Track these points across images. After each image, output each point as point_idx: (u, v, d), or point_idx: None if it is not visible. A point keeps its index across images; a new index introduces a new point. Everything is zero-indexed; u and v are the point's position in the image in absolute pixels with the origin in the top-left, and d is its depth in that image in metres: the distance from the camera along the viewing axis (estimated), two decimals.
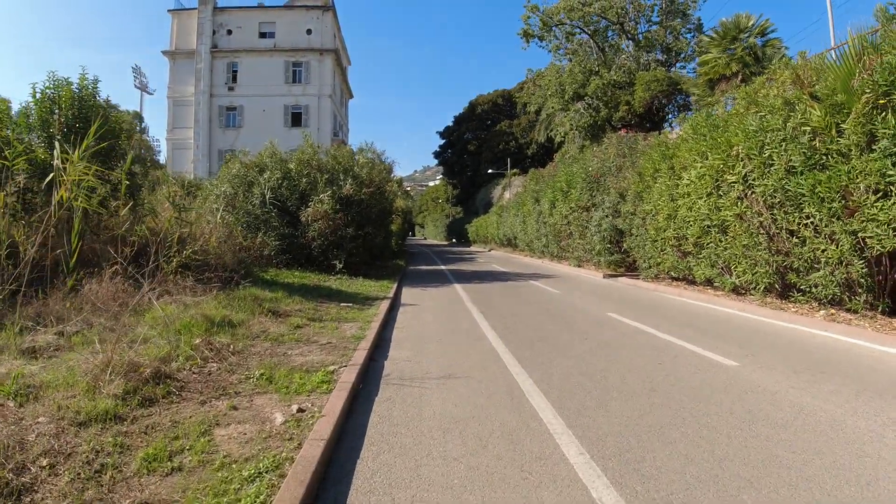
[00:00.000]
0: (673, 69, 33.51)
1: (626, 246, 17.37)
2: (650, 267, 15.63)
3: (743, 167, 11.03)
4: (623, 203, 17.40)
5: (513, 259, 30.40)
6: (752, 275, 11.07)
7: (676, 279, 15.09)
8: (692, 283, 14.39)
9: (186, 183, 18.46)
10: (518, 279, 18.08)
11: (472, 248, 49.41)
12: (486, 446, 3.97)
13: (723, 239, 11.84)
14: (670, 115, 31.52)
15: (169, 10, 48.58)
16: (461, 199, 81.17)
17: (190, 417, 4.23)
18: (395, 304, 11.51)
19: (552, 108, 36.40)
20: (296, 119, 46.15)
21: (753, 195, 10.85)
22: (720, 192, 11.76)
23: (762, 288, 10.98)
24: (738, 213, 11.16)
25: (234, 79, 47.37)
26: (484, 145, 68.98)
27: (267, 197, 15.07)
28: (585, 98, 32.49)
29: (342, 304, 10.25)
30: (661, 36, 34.44)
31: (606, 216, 18.23)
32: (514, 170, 55.38)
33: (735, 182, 11.24)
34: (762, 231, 10.70)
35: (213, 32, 47.14)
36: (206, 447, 3.71)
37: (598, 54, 35.43)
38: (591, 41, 35.84)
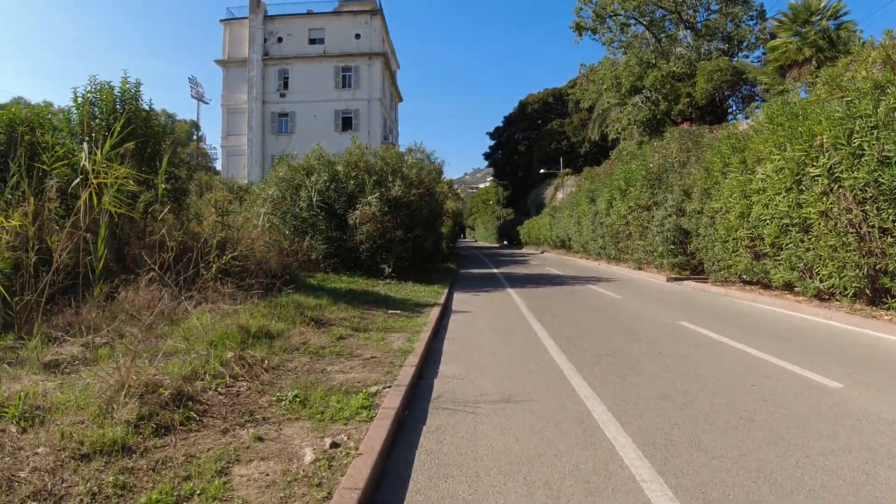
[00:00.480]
0: (735, 59, 31.64)
1: (692, 247, 16.24)
2: (720, 270, 14.51)
3: (828, 158, 9.95)
4: (688, 201, 16.30)
5: (567, 261, 29.37)
6: (840, 279, 9.95)
7: (749, 283, 13.95)
8: (767, 287, 13.26)
9: (236, 187, 18.27)
10: (575, 283, 17.17)
11: (524, 251, 48.45)
12: (558, 498, 3.20)
13: (804, 239, 10.76)
14: (733, 108, 29.91)
15: (221, 20, 49.49)
16: (512, 200, 79.97)
17: (208, 450, 3.63)
18: (445, 311, 10.81)
19: (608, 102, 34.79)
20: (346, 123, 46.17)
21: (841, 190, 9.77)
22: (801, 187, 10.69)
23: (851, 293, 9.87)
24: (823, 209, 10.10)
25: (286, 85, 47.93)
26: (535, 145, 67.75)
27: (314, 199, 14.60)
28: (643, 91, 30.86)
29: (390, 312, 9.62)
30: (722, 24, 32.51)
31: (670, 215, 17.15)
32: (567, 169, 53.98)
33: (819, 175, 10.17)
34: (851, 230, 9.60)
35: (265, 40, 47.79)
36: (221, 491, 3.10)
37: (655, 45, 33.79)
38: (647, 32, 34.16)
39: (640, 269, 20.50)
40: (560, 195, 50.53)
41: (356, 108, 46.92)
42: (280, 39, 48.20)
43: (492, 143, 79.52)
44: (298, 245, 14.35)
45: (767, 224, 11.77)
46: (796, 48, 22.81)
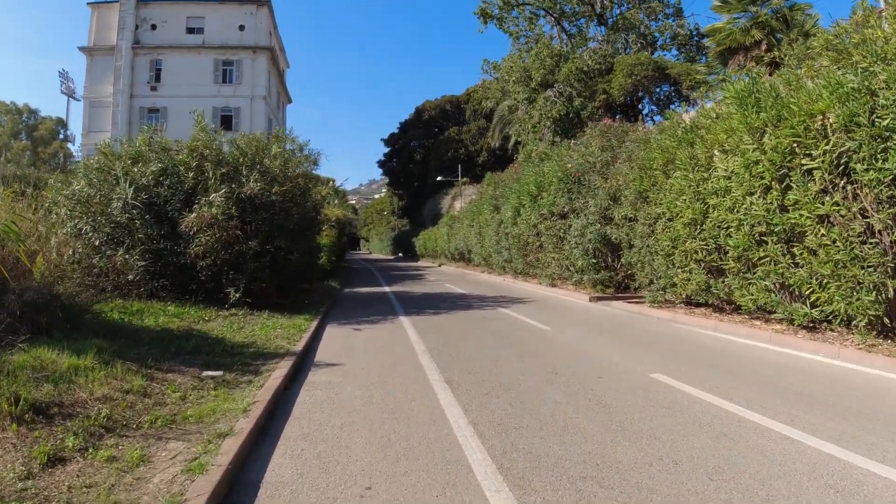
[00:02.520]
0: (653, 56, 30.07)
1: (624, 261, 13.48)
2: (660, 289, 11.83)
3: (833, 145, 7.35)
4: (616, 206, 13.61)
5: (468, 276, 26.38)
6: (849, 304, 7.33)
7: (695, 305, 11.37)
8: (719, 310, 10.72)
9: (34, 179, 13.65)
10: (484, 305, 13.99)
11: (421, 263, 45.32)
12: None
13: (789, 252, 8.18)
14: (647, 110, 28.14)
15: (88, 3, 43.34)
16: (407, 210, 76.76)
17: None
18: (301, 367, 7.05)
19: (515, 98, 31.84)
20: (225, 122, 41.22)
21: (851, 187, 7.23)
22: (790, 184, 8.06)
23: (863, 322, 7.29)
24: (824, 213, 7.50)
25: (158, 78, 42.63)
26: (431, 153, 64.90)
27: (128, 196, 10.39)
28: (555, 85, 28.42)
29: (204, 375, 5.78)
30: (637, 19, 30.73)
31: (592, 223, 14.43)
32: (465, 178, 51.50)
33: (817, 168, 7.59)
34: (872, 239, 7.04)
35: (136, 27, 42.42)
36: None
37: (566, 41, 31.43)
38: (557, 26, 31.76)
39: (553, 285, 17.75)
40: (458, 205, 48.01)
41: (237, 105, 42.35)
42: (154, 27, 42.78)
43: (387, 150, 75.60)
44: (111, 261, 10.24)
45: (733, 233, 9.15)
46: (743, 30, 20.70)
